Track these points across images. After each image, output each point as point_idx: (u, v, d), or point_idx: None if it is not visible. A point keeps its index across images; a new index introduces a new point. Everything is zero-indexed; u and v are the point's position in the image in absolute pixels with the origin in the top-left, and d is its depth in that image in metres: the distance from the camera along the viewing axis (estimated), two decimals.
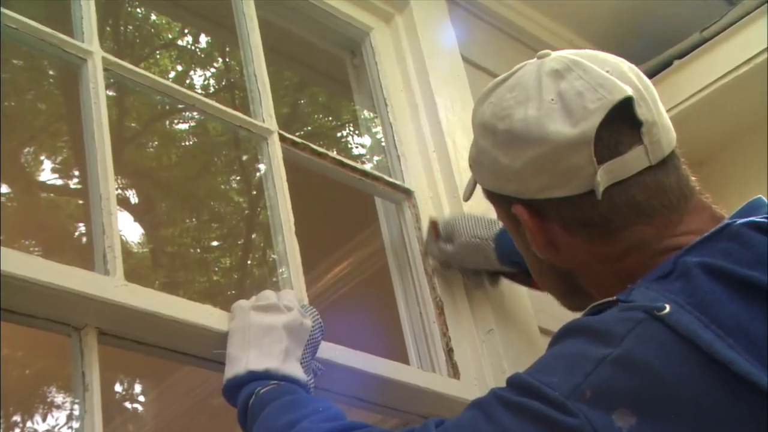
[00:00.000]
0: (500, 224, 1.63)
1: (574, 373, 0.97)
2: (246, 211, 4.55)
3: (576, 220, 1.12)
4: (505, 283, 1.82)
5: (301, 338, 1.34)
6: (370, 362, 1.53)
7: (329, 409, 1.19)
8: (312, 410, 1.19)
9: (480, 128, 1.19)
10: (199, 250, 4.64)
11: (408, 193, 1.89)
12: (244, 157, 4.26)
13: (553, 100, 1.12)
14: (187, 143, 4.32)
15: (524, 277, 1.65)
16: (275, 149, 1.72)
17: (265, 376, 1.26)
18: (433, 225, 1.74)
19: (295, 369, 1.30)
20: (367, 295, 3.86)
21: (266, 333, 1.31)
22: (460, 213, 1.73)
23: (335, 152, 2.05)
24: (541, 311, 1.80)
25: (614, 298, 1.04)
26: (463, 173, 1.90)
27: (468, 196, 1.32)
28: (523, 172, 1.13)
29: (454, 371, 1.70)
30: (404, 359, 1.71)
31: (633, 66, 1.18)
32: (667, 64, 2.38)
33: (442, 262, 1.75)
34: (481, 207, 1.57)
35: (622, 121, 1.11)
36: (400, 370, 1.58)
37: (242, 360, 1.28)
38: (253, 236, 4.60)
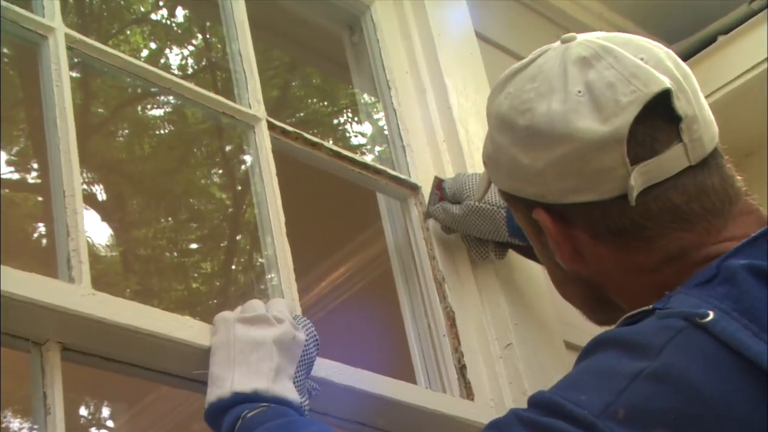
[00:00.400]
0: None
1: (605, 390, 0.97)
2: (230, 210, 4.55)
3: (606, 228, 1.13)
4: (526, 292, 1.82)
5: (294, 354, 1.34)
6: (371, 381, 1.53)
7: None
8: None
9: (496, 122, 1.19)
10: (176, 254, 4.64)
11: (414, 188, 1.90)
12: (228, 148, 4.27)
13: (580, 92, 1.12)
14: (162, 132, 4.32)
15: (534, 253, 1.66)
16: (263, 138, 1.72)
17: (253, 398, 1.26)
18: (438, 183, 1.76)
19: (287, 389, 1.30)
20: (369, 305, 3.86)
21: (254, 349, 1.31)
22: (473, 173, 1.75)
23: (331, 142, 2.05)
24: (568, 324, 1.80)
25: (650, 306, 1.04)
26: (477, 166, 1.90)
27: (481, 196, 1.32)
28: (546, 173, 1.13)
29: (468, 391, 1.71)
30: (411, 378, 1.72)
31: (670, 51, 1.18)
32: (710, 41, 2.38)
33: (444, 225, 1.77)
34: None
35: (659, 116, 1.12)
36: (406, 391, 1.58)
37: (227, 380, 1.28)
38: (238, 238, 4.61)
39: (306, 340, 1.37)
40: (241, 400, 1.26)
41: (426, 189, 1.89)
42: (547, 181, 1.14)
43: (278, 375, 1.30)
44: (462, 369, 1.72)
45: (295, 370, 1.34)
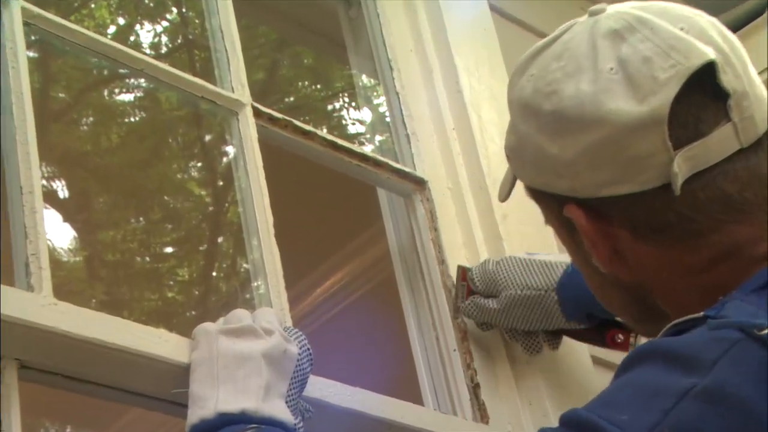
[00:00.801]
0: (561, 266, 1.61)
1: (649, 410, 0.97)
2: (210, 208, 4.55)
3: (648, 223, 1.13)
4: None
5: (286, 369, 1.35)
6: (372, 402, 1.53)
7: None
8: None
9: (519, 108, 1.19)
10: (148, 259, 4.64)
11: (420, 182, 1.90)
12: (207, 138, 4.26)
13: (612, 69, 1.12)
14: (132, 120, 4.32)
15: (597, 335, 1.65)
16: (247, 126, 1.72)
17: (240, 419, 1.27)
18: (463, 274, 1.72)
19: (278, 409, 1.30)
20: (368, 316, 3.86)
21: (240, 364, 1.31)
22: (502, 258, 1.71)
23: (325, 130, 2.06)
24: None
25: (701, 314, 1.04)
26: (492, 157, 1.91)
27: (505, 195, 1.31)
28: (577, 164, 1.13)
29: (482, 413, 1.71)
30: (417, 398, 1.72)
31: (715, 20, 1.18)
32: (762, 9, 2.37)
33: (481, 322, 1.73)
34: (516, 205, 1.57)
35: (703, 93, 1.12)
36: (411, 413, 1.58)
37: (210, 399, 1.28)
38: (220, 240, 4.61)
39: (299, 354, 1.37)
40: (227, 421, 1.26)
41: (434, 183, 1.90)
42: (578, 173, 1.14)
43: (268, 393, 1.30)
44: (475, 388, 1.73)
45: (288, 387, 1.34)
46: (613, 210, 1.14)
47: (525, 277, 1.64)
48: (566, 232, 1.20)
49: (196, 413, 1.28)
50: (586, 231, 1.15)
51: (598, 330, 1.64)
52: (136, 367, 1.36)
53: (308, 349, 1.40)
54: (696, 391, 0.97)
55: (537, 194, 1.21)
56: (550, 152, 1.15)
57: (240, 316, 1.37)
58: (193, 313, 4.65)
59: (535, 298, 1.62)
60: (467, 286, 1.71)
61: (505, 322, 1.68)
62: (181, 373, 1.35)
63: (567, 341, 1.76)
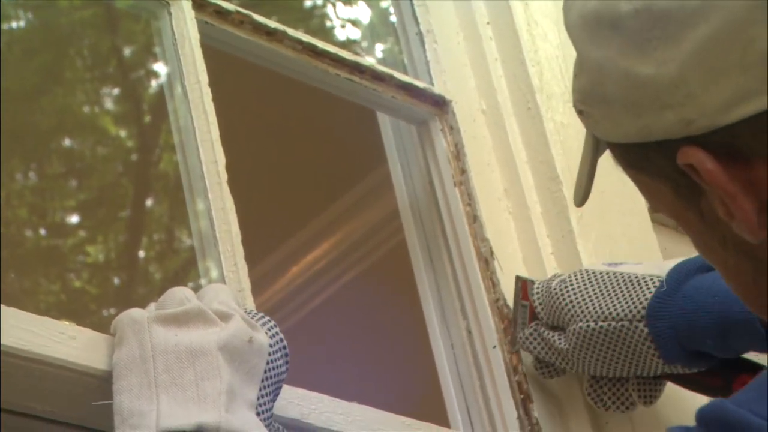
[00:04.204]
0: (651, 281, 1.63)
1: None
2: (133, 156, 4.56)
3: None
4: None
5: (254, 366, 1.36)
6: (373, 423, 1.55)
7: None
8: None
9: (585, 31, 1.16)
10: (44, 232, 4.65)
11: (441, 103, 1.92)
12: (127, 50, 4.27)
13: None
14: (16, 26, 4.33)
15: (719, 381, 1.65)
16: (185, 26, 1.72)
17: None
18: (524, 289, 1.74)
19: (249, 422, 1.31)
20: (367, 303, 3.85)
21: (188, 362, 1.32)
22: (573, 272, 1.72)
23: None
24: None
25: None
26: (545, 63, 1.93)
27: (583, 194, 1.27)
28: (687, 80, 1.10)
29: None
30: (440, 415, 1.74)
31: None
32: None
33: (544, 363, 1.74)
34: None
35: None
36: None
37: (148, 414, 1.29)
38: (148, 203, 4.61)
39: (270, 347, 1.38)
40: None
41: (460, 104, 1.91)
42: (691, 94, 1.10)
43: (233, 400, 1.31)
44: (525, 401, 1.75)
45: (258, 393, 1.35)
46: (751, 141, 1.09)
47: (601, 302, 1.66)
48: (682, 201, 1.15)
49: None
50: (716, 181, 1.10)
51: (721, 374, 1.65)
52: (25, 378, 1.35)
53: (281, 339, 1.41)
54: None
55: (636, 157, 1.18)
56: (644, 75, 1.12)
57: (180, 296, 1.38)
58: (112, 310, 4.65)
59: (616, 331, 1.64)
60: (530, 306, 1.73)
61: (578, 367, 1.70)
62: (97, 384, 1.36)
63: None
